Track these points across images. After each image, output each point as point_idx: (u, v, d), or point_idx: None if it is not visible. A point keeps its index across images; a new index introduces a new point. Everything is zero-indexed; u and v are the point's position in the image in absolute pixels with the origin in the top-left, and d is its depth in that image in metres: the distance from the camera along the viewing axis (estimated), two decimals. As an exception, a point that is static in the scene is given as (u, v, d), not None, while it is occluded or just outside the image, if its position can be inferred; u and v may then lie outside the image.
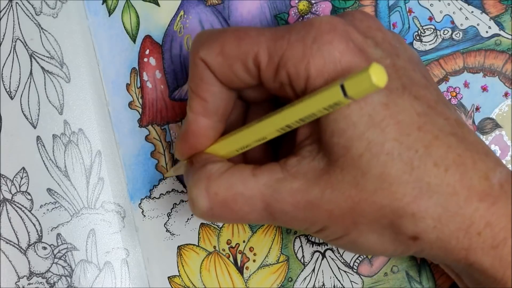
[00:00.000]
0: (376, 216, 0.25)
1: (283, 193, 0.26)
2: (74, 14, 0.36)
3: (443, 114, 0.26)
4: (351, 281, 0.35)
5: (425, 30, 0.35)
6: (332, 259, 0.35)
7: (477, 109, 0.35)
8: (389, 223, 0.26)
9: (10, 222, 0.35)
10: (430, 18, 0.35)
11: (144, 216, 0.36)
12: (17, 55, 0.36)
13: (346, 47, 0.25)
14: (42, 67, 0.36)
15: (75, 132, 0.36)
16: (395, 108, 0.25)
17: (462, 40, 0.35)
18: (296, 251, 0.35)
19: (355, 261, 0.35)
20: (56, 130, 0.36)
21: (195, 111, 0.28)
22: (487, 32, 0.35)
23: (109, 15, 0.37)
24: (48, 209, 0.35)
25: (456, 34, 0.35)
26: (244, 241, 0.35)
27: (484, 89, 0.35)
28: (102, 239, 0.35)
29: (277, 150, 0.32)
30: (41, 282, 0.35)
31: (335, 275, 0.35)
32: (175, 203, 0.36)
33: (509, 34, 0.35)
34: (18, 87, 0.36)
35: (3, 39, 0.36)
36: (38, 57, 0.36)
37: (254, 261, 0.35)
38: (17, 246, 0.35)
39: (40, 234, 0.35)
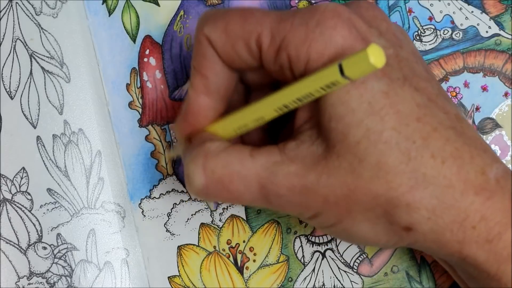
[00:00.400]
0: (370, 204, 0.25)
1: (279, 176, 0.26)
2: (74, 14, 0.36)
3: (443, 108, 0.26)
4: (351, 281, 0.35)
5: (425, 30, 0.35)
6: (332, 259, 0.35)
7: (477, 109, 0.35)
8: (383, 213, 0.26)
9: (10, 222, 0.35)
10: (430, 18, 0.35)
11: (144, 216, 0.36)
12: (17, 55, 0.36)
13: (349, 34, 0.25)
14: (42, 67, 0.36)
15: (75, 132, 0.36)
16: (395, 98, 0.25)
17: (462, 40, 0.35)
18: (296, 251, 0.35)
19: (355, 261, 0.35)
20: (56, 130, 0.36)
21: (196, 89, 0.28)
22: (487, 32, 0.35)
23: (109, 15, 0.37)
24: (48, 209, 0.35)
25: (456, 34, 0.35)
26: (244, 241, 0.35)
27: (484, 89, 0.35)
28: (102, 239, 0.35)
29: (275, 138, 0.32)
30: (41, 282, 0.35)
31: (335, 275, 0.35)
32: (175, 203, 0.36)
33: (509, 34, 0.35)
34: (18, 87, 0.36)
35: (3, 39, 0.36)
36: (38, 57, 0.36)
37: (254, 261, 0.35)
38: (17, 246, 0.35)
39: (40, 234, 0.35)
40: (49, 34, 0.36)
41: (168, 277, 0.36)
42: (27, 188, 0.35)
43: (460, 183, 0.25)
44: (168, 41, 0.36)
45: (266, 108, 0.26)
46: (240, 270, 0.35)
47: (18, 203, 0.35)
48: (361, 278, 0.35)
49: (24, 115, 0.36)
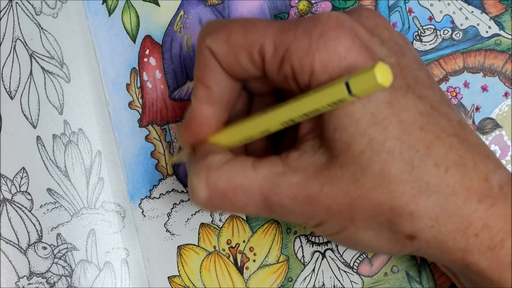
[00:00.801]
0: (373, 213, 0.25)
1: (282, 187, 0.26)
2: (74, 14, 0.36)
3: (446, 115, 0.26)
4: (351, 281, 0.35)
5: (425, 30, 0.35)
6: (332, 259, 0.35)
7: (477, 109, 0.35)
8: (387, 221, 0.26)
9: (10, 222, 0.35)
10: (430, 18, 0.35)
11: (144, 216, 0.36)
12: (17, 55, 0.36)
13: (352, 44, 0.25)
14: (42, 67, 0.36)
15: (75, 132, 0.36)
16: (398, 107, 0.25)
17: (462, 40, 0.35)
18: (296, 251, 0.35)
19: (355, 261, 0.35)
20: (56, 130, 0.36)
21: (199, 99, 0.28)
22: (487, 32, 0.35)
23: (109, 15, 0.37)
24: (48, 209, 0.35)
25: (456, 34, 0.35)
26: (244, 241, 0.35)
27: (484, 89, 0.35)
28: (102, 239, 0.35)
29: (278, 142, 0.32)
30: (41, 282, 0.35)
31: (335, 275, 0.35)
32: (175, 203, 0.36)
33: (509, 34, 0.35)
34: (18, 87, 0.36)
35: (3, 39, 0.36)
36: (38, 57, 0.36)
37: (254, 261, 0.35)
38: (17, 246, 0.35)
39: (40, 234, 0.35)
40: (49, 34, 0.36)
41: (168, 277, 0.36)
42: (27, 188, 0.35)
43: (463, 190, 0.25)
44: (168, 41, 0.36)
45: (272, 122, 0.27)
46: (240, 270, 0.35)
47: (18, 203, 0.35)
48: (361, 278, 0.35)
49: (24, 115, 0.36)
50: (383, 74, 0.22)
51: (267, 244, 0.35)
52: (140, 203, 0.36)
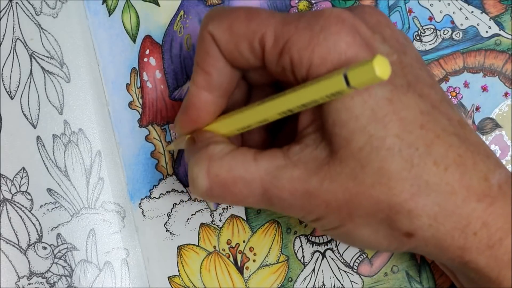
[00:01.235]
0: (372, 210, 0.25)
1: (282, 180, 0.26)
2: (74, 14, 0.36)
3: (446, 114, 0.26)
4: (351, 281, 0.35)
5: (425, 30, 0.35)
6: (332, 259, 0.35)
7: (477, 109, 0.35)
8: (385, 218, 0.26)
9: (10, 222, 0.35)
10: (430, 18, 0.35)
11: (144, 216, 0.36)
12: (17, 55, 0.36)
13: (352, 40, 0.25)
14: (42, 67, 0.36)
15: (75, 132, 0.36)
16: (398, 104, 0.25)
17: (462, 40, 0.35)
18: (296, 251, 0.35)
19: (355, 261, 0.35)
20: (56, 130, 0.36)
21: (198, 85, 0.28)
22: (487, 32, 0.35)
23: (109, 15, 0.37)
24: (48, 209, 0.35)
25: (456, 34, 0.35)
26: (244, 241, 0.35)
27: (484, 89, 0.35)
28: (102, 239, 0.35)
29: (275, 134, 0.32)
30: (41, 282, 0.35)
31: (335, 275, 0.35)
32: (175, 203, 0.36)
33: (509, 34, 0.35)
34: (18, 87, 0.36)
35: (3, 39, 0.36)
36: (38, 57, 0.36)
37: (254, 261, 0.35)
38: (17, 246, 0.35)
39: (40, 234, 0.35)
40: (49, 34, 0.36)
41: (168, 277, 0.36)
42: (27, 188, 0.35)
43: (462, 189, 0.25)
44: (168, 41, 0.36)
45: (270, 111, 0.27)
46: (240, 270, 0.35)
47: (18, 203, 0.35)
48: (361, 278, 0.35)
49: (24, 115, 0.36)
50: (381, 67, 0.22)
51: (267, 244, 0.35)
52: (140, 203, 0.36)
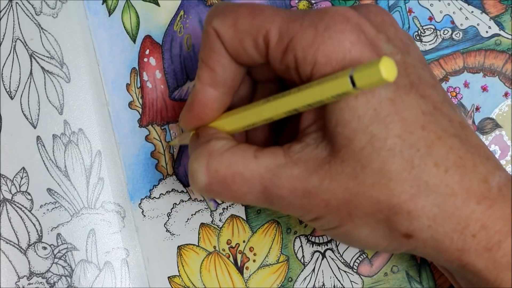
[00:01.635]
0: (372, 210, 0.25)
1: (282, 179, 0.26)
2: (74, 14, 0.36)
3: (448, 115, 0.26)
4: (351, 281, 0.35)
5: (425, 30, 0.35)
6: (332, 259, 0.35)
7: (477, 109, 0.35)
8: (384, 219, 0.26)
9: (10, 222, 0.35)
10: (430, 18, 0.35)
11: (144, 216, 0.36)
12: (17, 55, 0.36)
13: (357, 39, 0.25)
14: (42, 67, 0.36)
15: (75, 132, 0.36)
16: (401, 105, 0.25)
17: (462, 40, 0.35)
18: (296, 251, 0.35)
19: (355, 261, 0.35)
20: (56, 130, 0.36)
21: (203, 81, 0.28)
22: (487, 32, 0.35)
23: (109, 15, 0.37)
24: (48, 209, 0.35)
25: (456, 34, 0.35)
26: (244, 241, 0.35)
27: (484, 89, 0.35)
28: (102, 239, 0.35)
29: (279, 132, 0.32)
30: (41, 282, 0.35)
31: (335, 275, 0.35)
32: (175, 203, 0.36)
33: (509, 34, 0.35)
34: (18, 87, 0.36)
35: (3, 39, 0.36)
36: (38, 57, 0.36)
37: (254, 261, 0.35)
38: (17, 246, 0.35)
39: (40, 234, 0.35)
40: (49, 34, 0.36)
41: (168, 277, 0.36)
42: (27, 188, 0.35)
43: (462, 191, 0.25)
44: (168, 41, 0.36)
45: (276, 110, 0.27)
46: (240, 270, 0.35)
47: (18, 203, 0.35)
48: (361, 278, 0.35)
49: (24, 115, 0.36)
50: (388, 69, 0.22)
51: (267, 244, 0.35)
52: (140, 203, 0.36)
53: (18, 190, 0.35)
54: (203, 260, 0.36)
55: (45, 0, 0.36)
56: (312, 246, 0.35)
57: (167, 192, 0.36)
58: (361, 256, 0.35)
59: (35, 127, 0.36)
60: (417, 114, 0.25)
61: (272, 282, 0.35)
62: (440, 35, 0.35)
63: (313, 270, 0.35)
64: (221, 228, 0.36)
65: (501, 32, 0.35)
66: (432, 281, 0.34)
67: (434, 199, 0.25)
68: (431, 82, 0.27)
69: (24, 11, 0.36)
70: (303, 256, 0.35)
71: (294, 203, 0.27)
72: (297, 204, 0.27)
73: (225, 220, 0.36)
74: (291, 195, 0.26)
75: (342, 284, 0.35)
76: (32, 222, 0.35)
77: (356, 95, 0.25)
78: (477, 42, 0.35)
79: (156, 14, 0.36)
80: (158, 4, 0.36)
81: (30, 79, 0.36)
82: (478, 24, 0.35)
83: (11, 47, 0.36)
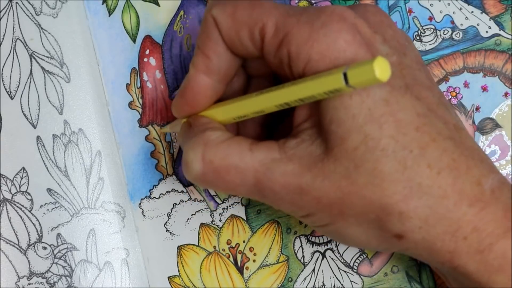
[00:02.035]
0: (363, 210, 0.25)
1: (275, 173, 0.26)
2: (74, 14, 0.36)
3: (442, 117, 0.26)
4: (351, 281, 0.35)
5: (425, 30, 0.35)
6: (332, 259, 0.35)
7: (477, 109, 0.35)
8: (376, 219, 0.26)
9: (10, 222, 0.35)
10: (430, 18, 0.35)
11: (144, 216, 0.36)
12: (17, 55, 0.36)
13: (352, 39, 0.25)
14: (42, 67, 0.36)
15: (75, 132, 0.36)
16: (395, 106, 0.25)
17: (462, 40, 0.35)
18: (296, 251, 0.35)
19: (355, 261, 0.35)
20: (56, 130, 0.36)
21: (197, 68, 0.28)
22: (487, 32, 0.35)
23: (109, 15, 0.37)
24: (48, 209, 0.35)
25: (456, 34, 0.35)
26: (244, 241, 0.35)
27: (484, 89, 0.35)
28: (102, 239, 0.35)
29: (270, 129, 0.32)
30: (41, 282, 0.35)
31: (335, 275, 0.35)
32: (175, 203, 0.36)
33: (509, 34, 0.35)
34: (18, 87, 0.36)
35: (3, 39, 0.36)
36: (38, 57, 0.36)
37: (254, 261, 0.35)
38: (17, 246, 0.35)
39: (40, 234, 0.35)
40: (49, 34, 0.36)
41: (168, 277, 0.36)
42: (27, 188, 0.35)
43: (454, 194, 0.25)
44: (168, 41, 0.36)
45: (267, 103, 0.27)
46: (240, 270, 0.35)
47: (18, 203, 0.35)
48: (361, 278, 0.35)
49: (24, 115, 0.36)
50: (381, 69, 0.22)
51: (267, 244, 0.35)
52: (140, 203, 0.36)
53: (18, 190, 0.35)
54: (203, 260, 0.36)
55: (45, 0, 0.36)
56: (312, 246, 0.35)
57: (167, 192, 0.36)
58: (361, 256, 0.35)
59: (35, 127, 0.36)
60: (411, 115, 0.25)
61: (272, 282, 0.35)
62: (440, 35, 0.35)
63: (313, 270, 0.35)
64: (221, 228, 0.36)
65: (501, 32, 0.35)
66: (432, 281, 0.34)
67: (426, 200, 0.25)
68: (427, 83, 0.27)
69: (24, 11, 0.36)
70: (303, 256, 0.35)
71: (286, 199, 0.27)
72: (288, 200, 0.27)
73: (225, 220, 0.36)
74: (283, 190, 0.26)
75: (342, 284, 0.35)
76: (32, 222, 0.35)
77: (351, 95, 0.25)
78: (477, 42, 0.35)
79: (156, 14, 0.36)
80: (158, 4, 0.36)
81: (30, 79, 0.36)
82: (478, 24, 0.35)
83: (11, 47, 0.36)
